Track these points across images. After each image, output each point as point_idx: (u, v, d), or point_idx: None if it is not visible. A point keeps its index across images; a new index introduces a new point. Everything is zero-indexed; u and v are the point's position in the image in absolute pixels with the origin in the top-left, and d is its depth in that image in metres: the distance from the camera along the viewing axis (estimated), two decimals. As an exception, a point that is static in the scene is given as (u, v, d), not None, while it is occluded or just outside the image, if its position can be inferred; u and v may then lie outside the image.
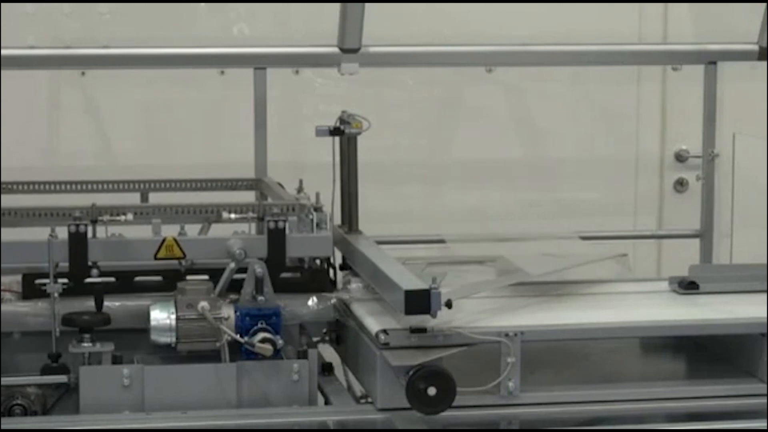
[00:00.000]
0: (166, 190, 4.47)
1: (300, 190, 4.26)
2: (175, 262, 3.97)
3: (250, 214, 4.01)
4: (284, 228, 3.93)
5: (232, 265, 3.85)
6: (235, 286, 3.87)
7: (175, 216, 3.99)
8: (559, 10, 5.42)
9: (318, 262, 4.06)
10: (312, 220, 4.00)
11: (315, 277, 4.04)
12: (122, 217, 3.92)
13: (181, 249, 3.90)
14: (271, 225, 3.93)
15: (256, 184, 4.62)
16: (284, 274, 4.00)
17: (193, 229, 4.01)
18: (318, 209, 4.03)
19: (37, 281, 3.85)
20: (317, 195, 4.07)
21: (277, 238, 3.93)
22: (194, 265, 4.00)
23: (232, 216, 4.01)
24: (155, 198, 4.42)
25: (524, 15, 5.38)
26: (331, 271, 4.12)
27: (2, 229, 3.86)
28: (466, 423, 3.71)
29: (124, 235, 3.92)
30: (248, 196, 4.54)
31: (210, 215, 4.03)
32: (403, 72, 4.98)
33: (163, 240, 3.88)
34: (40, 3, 5.17)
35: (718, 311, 4.02)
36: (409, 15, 5.25)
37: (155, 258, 3.89)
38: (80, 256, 3.82)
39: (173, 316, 3.79)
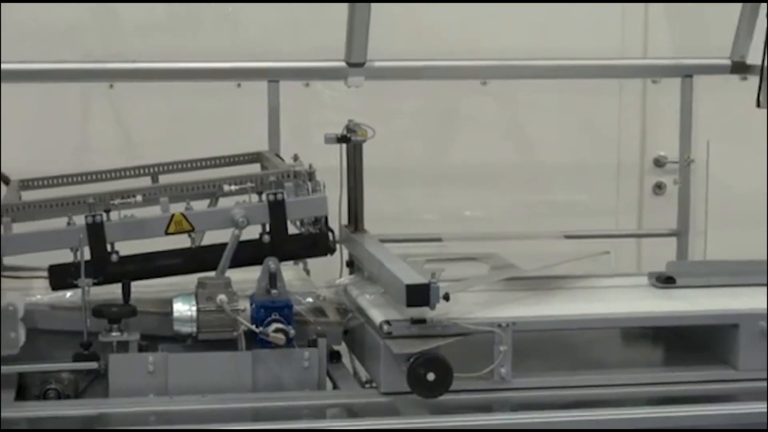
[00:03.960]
0: (174, 171, 4.42)
1: (296, 159, 4.21)
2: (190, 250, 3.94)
3: (249, 184, 3.97)
4: (282, 199, 3.89)
5: (237, 232, 3.84)
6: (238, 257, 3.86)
7: (182, 193, 3.96)
8: (547, 27, 5.42)
9: (318, 228, 4.01)
10: (307, 184, 3.96)
11: (316, 242, 4.00)
12: (132, 200, 3.89)
13: (189, 222, 3.86)
14: (271, 198, 3.89)
15: (256, 157, 4.56)
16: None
17: (202, 206, 3.98)
18: (311, 175, 3.99)
19: (71, 279, 3.81)
20: (310, 165, 4.03)
21: (277, 209, 3.89)
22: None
23: (233, 188, 3.99)
24: (165, 180, 4.36)
25: (516, 32, 5.38)
26: (330, 235, 4.05)
27: (23, 222, 3.85)
28: (462, 406, 3.71)
29: (135, 216, 3.88)
30: (251, 169, 4.47)
31: (213, 189, 4.00)
32: (405, 84, 4.97)
33: (172, 216, 3.85)
34: (70, 20, 5.18)
35: (694, 304, 4.02)
36: (410, 32, 5.25)
37: (166, 233, 3.85)
38: (100, 242, 3.79)
39: (194, 308, 3.78)
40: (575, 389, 3.82)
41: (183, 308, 3.79)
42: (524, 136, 5.62)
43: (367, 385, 3.90)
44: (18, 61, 4.62)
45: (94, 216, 3.80)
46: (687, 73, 4.82)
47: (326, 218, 4.01)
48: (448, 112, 5.63)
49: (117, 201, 3.86)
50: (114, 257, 3.82)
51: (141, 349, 3.76)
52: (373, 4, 4.52)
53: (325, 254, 4.03)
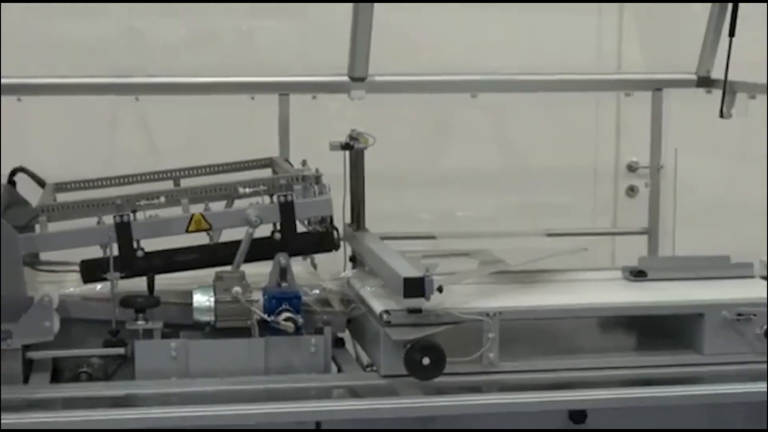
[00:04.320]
0: (194, 175, 4.40)
1: (304, 164, 4.19)
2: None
3: (262, 187, 3.95)
4: (292, 200, 3.87)
5: (250, 230, 3.82)
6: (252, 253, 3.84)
7: (200, 195, 3.94)
8: (532, 45, 5.41)
9: (324, 227, 4.00)
10: (314, 187, 3.94)
11: (322, 239, 3.98)
12: (156, 201, 3.88)
13: (207, 222, 3.85)
14: (281, 199, 3.88)
15: (268, 162, 4.54)
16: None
17: (219, 207, 3.96)
18: (318, 178, 3.97)
19: (100, 273, 3.80)
20: (317, 170, 4.02)
21: (287, 210, 3.88)
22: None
23: (247, 190, 3.97)
24: (186, 183, 4.35)
25: (502, 49, 5.37)
26: (335, 233, 4.04)
27: (57, 222, 3.83)
28: (454, 387, 3.70)
29: (159, 216, 3.88)
30: (263, 174, 4.46)
31: (229, 191, 3.98)
32: (402, 97, 4.96)
33: (192, 216, 3.84)
34: (100, 37, 5.17)
35: (663, 295, 4.02)
36: (407, 50, 5.24)
37: (186, 231, 3.84)
38: (127, 240, 3.79)
39: (212, 299, 3.78)
40: (556, 372, 3.81)
41: (202, 299, 3.79)
42: (510, 143, 5.62)
43: (368, 369, 3.90)
44: (53, 75, 4.62)
45: (121, 216, 3.80)
46: (657, 87, 4.82)
47: (331, 218, 4.00)
48: (442, 122, 5.63)
49: (142, 202, 3.86)
50: (140, 253, 3.82)
51: (164, 336, 3.76)
52: (373, 26, 4.51)
53: (331, 250, 4.02)
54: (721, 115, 4.41)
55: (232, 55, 5.30)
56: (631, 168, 5.57)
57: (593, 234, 5.03)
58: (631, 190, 5.59)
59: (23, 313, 3.65)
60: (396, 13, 4.84)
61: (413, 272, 3.70)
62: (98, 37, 5.21)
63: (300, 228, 3.95)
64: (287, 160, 4.48)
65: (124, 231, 3.78)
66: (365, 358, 3.95)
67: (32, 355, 3.73)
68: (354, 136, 4.30)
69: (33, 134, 4.99)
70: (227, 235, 3.91)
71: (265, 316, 3.75)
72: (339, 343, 3.98)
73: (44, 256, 4.00)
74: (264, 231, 3.89)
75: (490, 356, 3.75)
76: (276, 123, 4.65)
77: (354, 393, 3.72)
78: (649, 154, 4.89)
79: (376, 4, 4.48)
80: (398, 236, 4.55)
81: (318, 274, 4.18)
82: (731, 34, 4.34)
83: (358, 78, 4.61)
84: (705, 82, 4.76)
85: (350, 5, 4.53)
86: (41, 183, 4.32)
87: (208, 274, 3.88)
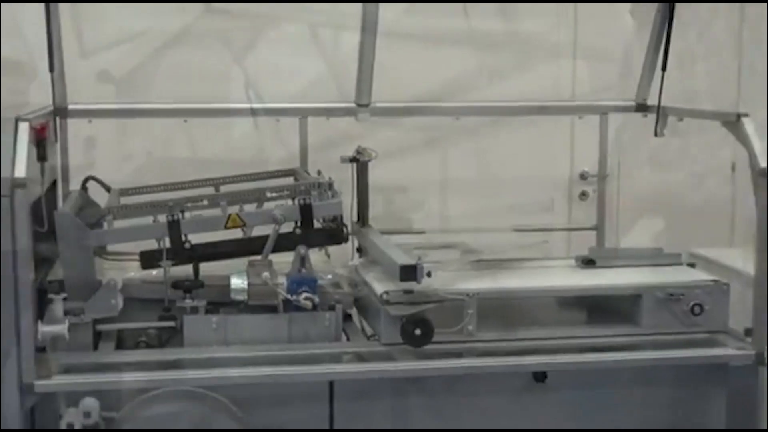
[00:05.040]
0: (231, 182, 4.36)
1: (319, 173, 4.17)
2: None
3: (286, 192, 3.94)
4: (310, 203, 3.87)
5: (276, 227, 3.81)
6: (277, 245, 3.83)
7: (236, 199, 3.92)
8: (502, 77, 5.40)
9: (336, 224, 3.98)
10: (328, 192, 3.93)
11: (334, 234, 3.96)
12: (201, 203, 3.87)
13: (242, 220, 3.84)
14: (301, 202, 3.87)
15: (291, 172, 4.51)
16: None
17: (251, 208, 3.95)
18: (331, 185, 3.95)
19: (156, 262, 3.80)
20: (330, 178, 4.00)
21: (306, 210, 3.87)
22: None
23: (274, 195, 3.95)
24: (224, 189, 4.33)
25: (482, 83, 5.36)
26: (344, 229, 4.02)
27: (121, 220, 3.84)
28: (440, 353, 3.72)
29: (203, 215, 3.88)
30: (287, 181, 4.42)
31: (260, 195, 3.96)
32: (400, 119, 4.95)
33: (229, 215, 3.83)
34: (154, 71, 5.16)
35: (609, 279, 4.03)
36: (404, 81, 5.21)
37: (225, 227, 3.82)
38: (177, 235, 3.78)
39: (246, 283, 3.78)
40: (522, 341, 3.83)
41: (238, 282, 3.80)
42: (486, 156, 5.60)
43: (371, 338, 3.90)
44: (117, 102, 4.63)
45: (173, 215, 3.80)
46: (603, 112, 4.78)
47: (342, 217, 4.00)
48: (430, 139, 5.60)
49: (189, 204, 3.86)
50: (187, 245, 3.82)
51: (207, 312, 3.77)
52: (376, 63, 4.51)
53: (341, 243, 4.01)
54: (656, 134, 4.41)
55: (264, 86, 5.28)
56: (583, 176, 5.54)
57: (552, 230, 5.01)
58: (583, 195, 5.56)
59: (93, 294, 3.66)
60: (385, 53, 4.80)
61: (407, 260, 3.72)
62: (154, 71, 5.20)
63: (316, 225, 3.95)
64: (306, 171, 4.47)
65: (174, 227, 3.78)
66: (369, 330, 3.96)
67: (101, 327, 3.74)
68: (360, 151, 4.30)
69: (101, 149, 4.97)
70: (258, 231, 3.90)
71: (289, 296, 3.75)
72: (348, 317, 3.98)
73: (110, 248, 3.99)
74: (287, 228, 3.89)
75: (469, 328, 3.76)
76: (297, 140, 4.64)
77: (360, 358, 3.74)
78: (597, 165, 4.88)
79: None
80: (395, 231, 4.54)
81: (331, 262, 4.17)
82: (663, 69, 4.35)
83: (363, 104, 4.60)
84: (642, 107, 4.74)
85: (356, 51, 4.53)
86: (108, 189, 4.32)
87: (242, 262, 3.88)
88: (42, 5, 4.08)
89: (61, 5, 4.19)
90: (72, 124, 4.42)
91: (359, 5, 4.36)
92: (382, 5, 4.34)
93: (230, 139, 5.30)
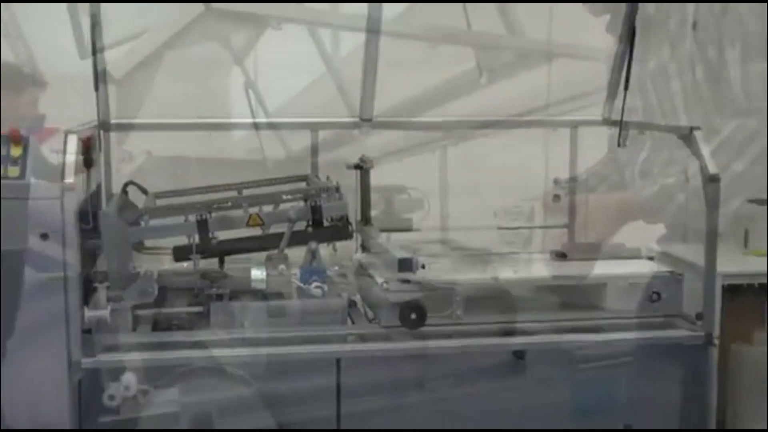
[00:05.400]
0: (252, 186, 4.31)
1: (328, 178, 4.19)
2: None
3: (299, 195, 3.94)
4: (320, 204, 3.88)
5: (291, 225, 3.83)
6: (292, 241, 3.83)
7: (256, 201, 3.91)
8: (490, 97, 5.38)
9: (342, 223, 3.98)
10: (335, 194, 3.94)
11: (341, 231, 3.97)
12: (225, 204, 3.88)
13: (261, 219, 3.85)
14: (312, 203, 3.88)
15: (303, 178, 4.45)
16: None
17: (269, 209, 3.94)
18: (338, 188, 3.96)
19: (186, 255, 3.82)
20: (337, 182, 4.02)
21: (316, 210, 3.88)
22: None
23: (289, 197, 3.94)
24: (246, 192, 4.23)
25: (469, 99, 5.35)
26: (350, 227, 4.02)
27: (156, 219, 3.86)
28: (433, 334, 3.75)
29: (227, 215, 3.88)
30: (300, 185, 4.35)
31: (276, 198, 3.95)
32: (398, 132, 4.94)
33: (250, 215, 3.84)
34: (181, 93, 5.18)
35: (579, 271, 4.03)
36: (403, 98, 5.21)
37: (246, 225, 3.82)
38: (205, 232, 3.80)
39: (265, 274, 3.81)
40: (504, 324, 3.85)
41: (258, 273, 3.82)
42: (473, 164, 5.60)
43: (373, 322, 3.91)
44: (152, 117, 4.62)
45: (201, 215, 3.82)
46: (574, 125, 4.77)
47: (347, 216, 4.01)
48: (426, 149, 5.61)
49: (215, 205, 3.88)
50: (214, 241, 3.84)
51: (230, 299, 3.79)
52: (377, 82, 4.52)
53: (347, 239, 4.03)
54: (618, 145, 4.41)
55: (278, 103, 5.26)
56: (557, 183, 5.48)
57: (530, 227, 4.97)
58: (557, 197, 5.55)
59: (132, 283, 3.72)
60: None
61: (404, 254, 3.75)
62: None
63: (325, 224, 3.96)
64: (317, 176, 4.47)
65: (203, 226, 3.81)
66: (371, 314, 3.98)
67: (139, 312, 3.76)
68: (363, 159, 4.30)
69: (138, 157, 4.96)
70: (274, 229, 3.92)
71: (301, 285, 3.79)
72: (352, 304, 3.99)
73: (147, 243, 4.00)
74: (300, 226, 3.93)
75: (458, 313, 3.80)
76: (308, 150, 4.63)
77: (363, 338, 3.77)
78: (568, 172, 4.89)
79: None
80: (393, 229, 4.56)
81: (337, 256, 4.15)
82: (626, 88, 4.32)
83: (366, 119, 4.56)
84: (607, 122, 4.73)
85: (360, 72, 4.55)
86: (145, 192, 4.33)
87: (262, 255, 3.92)
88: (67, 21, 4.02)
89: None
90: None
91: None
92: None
93: (249, 148, 5.29)
